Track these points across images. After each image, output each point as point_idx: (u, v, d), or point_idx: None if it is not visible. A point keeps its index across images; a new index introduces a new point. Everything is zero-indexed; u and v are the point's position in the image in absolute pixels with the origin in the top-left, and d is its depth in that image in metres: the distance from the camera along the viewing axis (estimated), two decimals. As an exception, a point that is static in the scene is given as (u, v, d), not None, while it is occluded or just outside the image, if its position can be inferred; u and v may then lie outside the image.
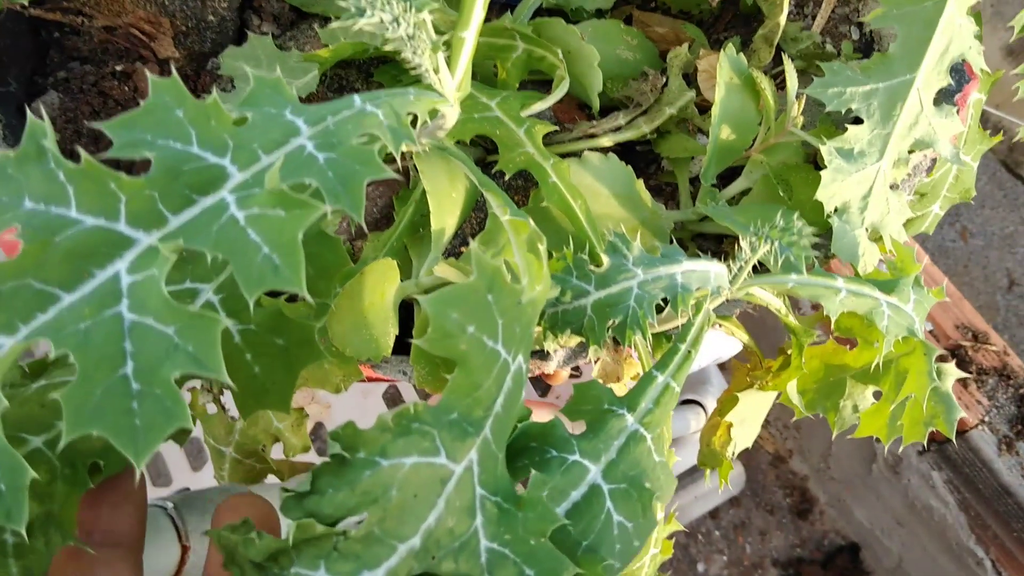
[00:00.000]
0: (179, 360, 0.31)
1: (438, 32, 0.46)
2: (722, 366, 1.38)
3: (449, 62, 0.47)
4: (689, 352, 0.47)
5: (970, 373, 1.36)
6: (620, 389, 0.56)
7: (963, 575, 1.64)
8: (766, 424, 1.94)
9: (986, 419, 1.34)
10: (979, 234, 1.84)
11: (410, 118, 0.44)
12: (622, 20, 0.82)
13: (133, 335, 0.31)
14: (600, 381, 0.56)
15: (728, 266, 0.49)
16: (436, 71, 0.45)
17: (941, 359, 0.58)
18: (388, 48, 0.42)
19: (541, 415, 0.74)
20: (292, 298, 0.48)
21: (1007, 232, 1.83)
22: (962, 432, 1.31)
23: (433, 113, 0.48)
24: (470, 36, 0.47)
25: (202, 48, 0.76)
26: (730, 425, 0.63)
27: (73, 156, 0.35)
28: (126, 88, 0.75)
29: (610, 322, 0.47)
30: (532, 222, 0.45)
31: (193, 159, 0.37)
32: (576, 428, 0.48)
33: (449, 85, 0.46)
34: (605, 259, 0.48)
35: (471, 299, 0.38)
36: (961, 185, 0.80)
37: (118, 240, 0.34)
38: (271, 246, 0.34)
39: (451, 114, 0.49)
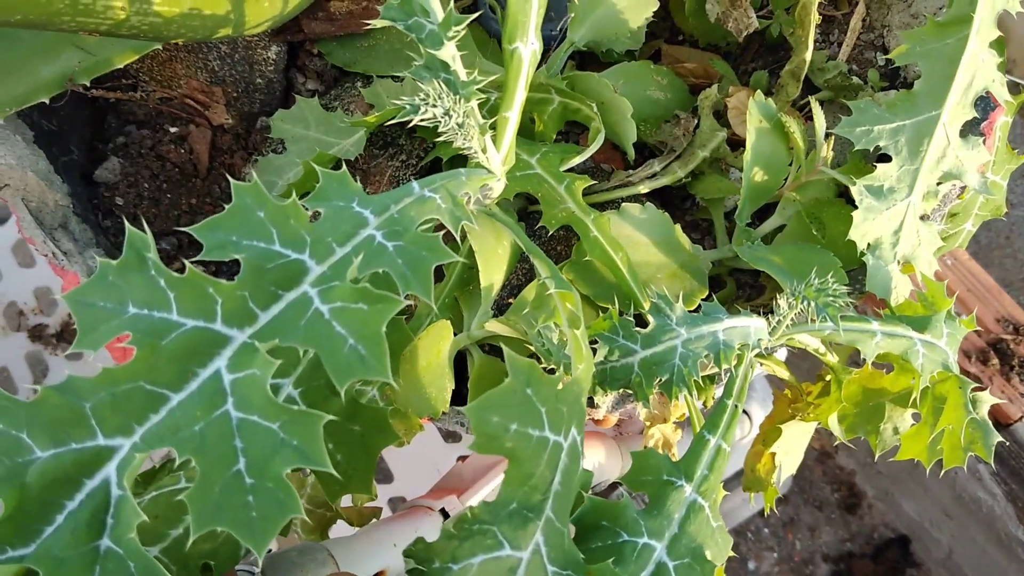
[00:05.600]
0: (287, 455, 0.34)
1: (480, 92, 0.49)
2: (767, 375, 1.41)
3: (495, 141, 0.50)
4: (736, 406, 0.50)
5: (1012, 366, 1.37)
6: (668, 429, 0.59)
7: (1013, 565, 1.64)
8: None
9: (1030, 411, 1.35)
10: (1020, 204, 1.82)
11: (464, 197, 0.47)
12: (651, 54, 0.85)
13: (242, 432, 0.34)
14: (648, 424, 0.59)
15: (767, 319, 0.52)
16: (484, 151, 0.48)
17: (976, 389, 0.60)
18: (440, 140, 0.45)
19: (591, 446, 0.77)
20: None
21: (1050, 202, 1.81)
22: (1007, 425, 1.33)
23: (483, 186, 0.52)
24: (514, 115, 0.50)
25: (251, 109, 0.80)
26: (774, 454, 0.66)
27: (135, 221, 0.38)
28: (182, 151, 0.79)
29: (657, 380, 0.50)
30: (577, 294, 0.47)
31: (276, 256, 0.40)
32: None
33: (496, 161, 0.50)
34: (650, 320, 0.51)
35: (509, 399, 0.40)
36: (992, 203, 0.82)
37: (216, 339, 0.37)
38: (356, 338, 0.37)
39: (498, 186, 0.52)
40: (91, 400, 0.35)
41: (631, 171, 0.69)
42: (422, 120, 0.44)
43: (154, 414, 0.35)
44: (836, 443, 1.96)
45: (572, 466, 0.43)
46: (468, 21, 0.46)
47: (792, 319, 0.52)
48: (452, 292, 0.64)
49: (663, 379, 0.51)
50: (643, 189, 0.68)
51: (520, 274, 0.67)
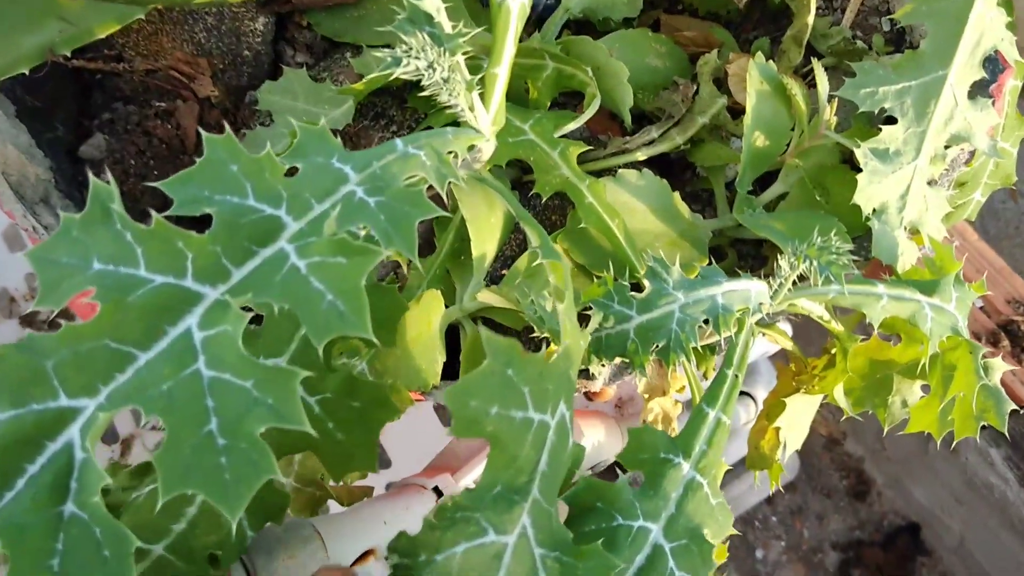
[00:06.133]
0: (260, 414, 0.32)
1: (470, 58, 0.47)
2: (771, 357, 1.38)
3: (483, 98, 0.48)
4: (736, 376, 0.48)
5: (1023, 347, 1.35)
6: (668, 403, 0.57)
7: (1027, 550, 1.63)
8: (818, 407, 1.92)
9: (1041, 393, 1.33)
10: (1030, 191, 1.80)
11: (450, 156, 0.45)
12: (650, 25, 0.83)
13: (213, 391, 0.33)
14: (647, 397, 0.57)
15: (768, 282, 0.50)
16: (472, 109, 0.46)
17: (987, 355, 0.58)
18: (424, 94, 0.43)
19: (590, 424, 0.75)
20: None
21: (1059, 191, 1.79)
22: (1019, 407, 1.31)
23: (471, 147, 0.50)
24: (503, 72, 0.48)
25: (239, 82, 0.78)
26: (778, 429, 0.64)
27: (123, 198, 0.37)
28: (169, 126, 0.77)
29: (654, 346, 0.48)
30: (566, 262, 0.46)
31: (250, 212, 0.38)
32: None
33: (484, 121, 0.48)
34: (646, 284, 0.49)
35: (489, 382, 0.38)
36: (1002, 172, 0.80)
37: (187, 296, 0.35)
38: (335, 293, 0.35)
39: (487, 147, 0.50)
40: (53, 359, 0.33)
41: (628, 138, 0.67)
42: (404, 73, 0.42)
43: (120, 374, 0.34)
44: (844, 430, 1.94)
45: (560, 444, 0.42)
46: (452, -31, 0.44)
47: (794, 282, 0.50)
48: (444, 264, 0.62)
49: (660, 345, 0.49)
50: (640, 156, 0.67)
51: (514, 245, 0.65)
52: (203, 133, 0.39)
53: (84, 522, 0.32)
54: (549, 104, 0.68)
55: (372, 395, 0.47)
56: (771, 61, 0.66)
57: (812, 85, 0.70)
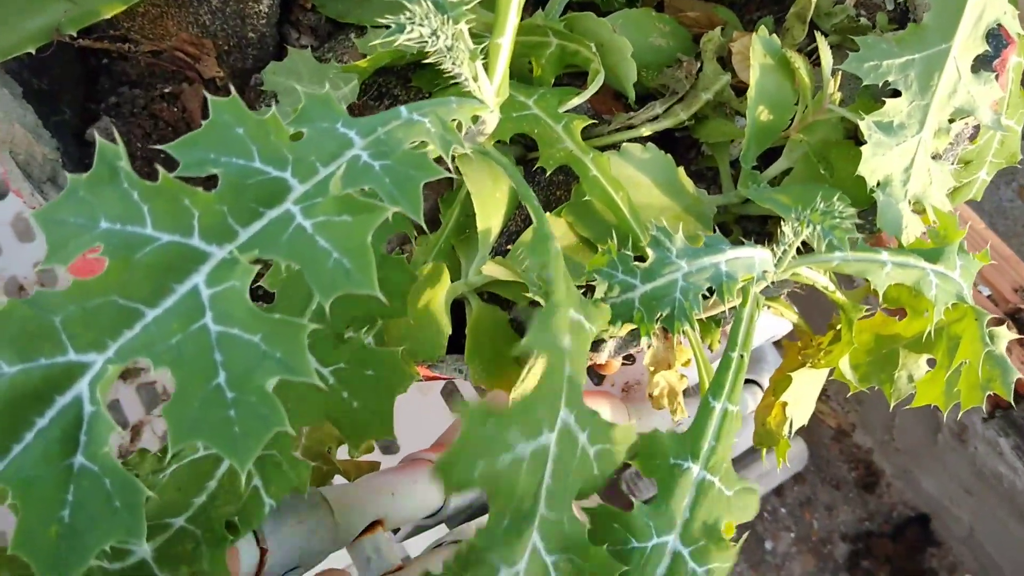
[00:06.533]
0: (269, 367, 0.32)
1: (473, 36, 0.47)
2: (776, 343, 1.38)
3: (487, 68, 0.48)
4: (742, 357, 0.48)
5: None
6: (674, 377, 0.57)
7: (1037, 540, 1.62)
8: (826, 399, 1.92)
9: (1048, 382, 1.32)
10: (1037, 191, 1.80)
11: (454, 124, 0.46)
12: (653, 6, 0.83)
13: (221, 346, 0.33)
14: (652, 370, 0.57)
15: (772, 250, 0.50)
16: (475, 79, 0.46)
17: (993, 323, 0.58)
18: (429, 60, 0.43)
19: (597, 404, 0.76)
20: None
21: (1066, 189, 1.79)
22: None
23: (474, 118, 0.50)
24: (506, 42, 0.48)
25: (244, 65, 0.78)
26: (785, 404, 0.64)
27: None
28: (175, 109, 0.78)
29: (658, 314, 0.48)
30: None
31: (256, 173, 0.39)
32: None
33: (488, 91, 0.48)
34: (650, 253, 0.50)
35: (470, 444, 0.37)
36: (1007, 150, 0.79)
37: (193, 255, 0.36)
38: (341, 251, 0.35)
39: (491, 119, 0.50)
40: (61, 314, 0.34)
41: (632, 114, 0.67)
42: (408, 40, 0.43)
43: (128, 330, 0.34)
44: (853, 421, 1.93)
45: (567, 453, 0.41)
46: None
47: (798, 249, 0.50)
48: (449, 240, 0.62)
49: (664, 314, 0.49)
50: (645, 131, 0.67)
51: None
52: (209, 97, 0.39)
53: (94, 474, 0.32)
54: (553, 83, 0.69)
55: (385, 363, 0.48)
56: (774, 36, 0.66)
57: (816, 64, 0.70)
